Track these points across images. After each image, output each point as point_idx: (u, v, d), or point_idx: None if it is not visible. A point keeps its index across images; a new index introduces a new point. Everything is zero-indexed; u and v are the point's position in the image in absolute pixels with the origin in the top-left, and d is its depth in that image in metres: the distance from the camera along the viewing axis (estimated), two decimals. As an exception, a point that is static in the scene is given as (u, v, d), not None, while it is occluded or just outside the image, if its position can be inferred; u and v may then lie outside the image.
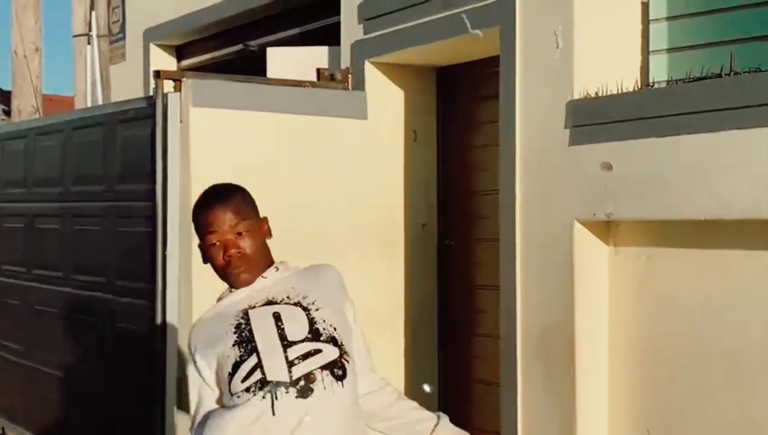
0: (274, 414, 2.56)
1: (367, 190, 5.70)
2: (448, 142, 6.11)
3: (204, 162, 5.22)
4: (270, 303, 2.73)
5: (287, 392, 2.57)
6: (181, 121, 5.21)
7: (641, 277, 4.57)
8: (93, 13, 8.09)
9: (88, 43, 8.23)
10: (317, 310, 2.71)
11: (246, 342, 2.64)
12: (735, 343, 4.19)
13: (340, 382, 2.65)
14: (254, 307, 2.72)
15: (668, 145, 4.18)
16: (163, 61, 8.33)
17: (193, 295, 5.18)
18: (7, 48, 9.80)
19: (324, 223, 5.51)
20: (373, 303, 5.72)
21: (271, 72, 6.29)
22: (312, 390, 2.59)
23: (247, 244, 2.75)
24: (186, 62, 8.34)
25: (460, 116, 6.04)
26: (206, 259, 2.82)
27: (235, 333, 2.67)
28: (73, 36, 8.48)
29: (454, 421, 5.99)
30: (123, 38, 8.45)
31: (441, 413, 3.05)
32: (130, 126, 5.68)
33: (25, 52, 9.09)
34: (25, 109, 9.27)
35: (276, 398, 2.57)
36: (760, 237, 4.04)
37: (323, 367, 2.63)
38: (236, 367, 2.63)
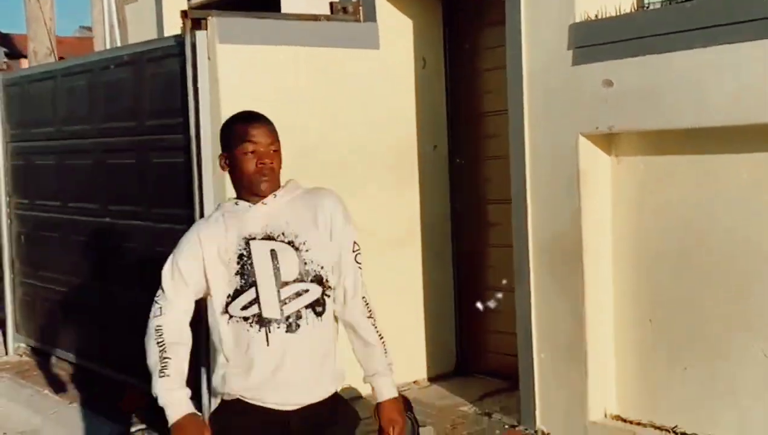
0: (268, 345, 2.98)
1: (382, 116, 6.00)
2: (454, 68, 6.43)
3: (232, 95, 5.47)
4: (268, 238, 3.03)
5: (278, 328, 2.98)
6: (209, 58, 5.47)
7: (641, 183, 4.93)
8: (109, -45, 8.21)
9: None
10: (307, 251, 3.03)
11: (247, 275, 3.00)
12: (728, 241, 4.57)
13: (319, 317, 3.04)
14: (255, 238, 3.03)
15: (663, 61, 4.50)
16: (174, 1, 8.49)
17: None
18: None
19: (342, 149, 5.83)
20: (391, 221, 6.10)
21: (285, 8, 6.55)
22: (299, 326, 3.00)
23: (276, 161, 3.07)
24: (196, 1, 8.41)
25: (465, 43, 6.35)
26: (230, 166, 3.09)
27: (238, 263, 3.01)
28: None
29: (473, 327, 6.42)
30: None
31: (391, 366, 3.23)
32: (159, 64, 5.93)
33: None
34: (41, 51, 9.46)
35: (269, 332, 2.99)
36: (748, 141, 4.40)
37: (307, 306, 3.01)
38: (237, 294, 3.01)
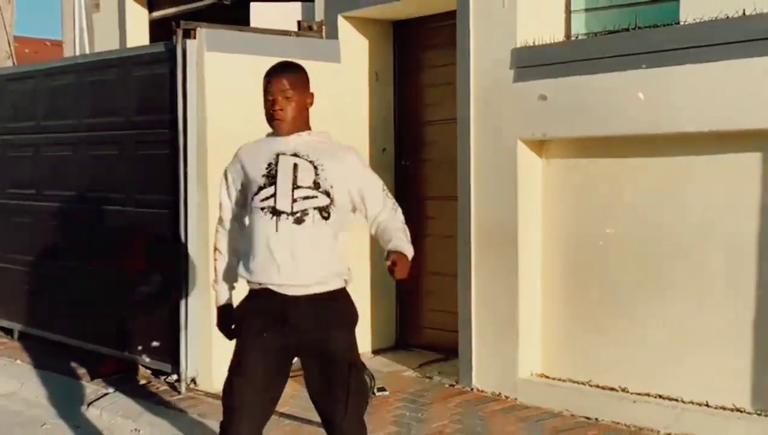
0: (276, 231, 3.58)
1: (341, 120, 6.65)
2: (402, 82, 7.29)
3: (216, 95, 6.19)
4: (294, 155, 3.65)
5: (287, 219, 3.58)
6: (196, 64, 6.17)
7: (566, 181, 5.81)
8: (79, -36, 8.68)
9: None
10: (323, 170, 3.63)
11: (272, 177, 3.63)
12: (640, 226, 5.44)
13: (324, 221, 3.61)
14: (284, 154, 3.65)
15: (587, 81, 5.40)
16: (136, 12, 9.06)
17: (209, 202, 6.09)
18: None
19: None
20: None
21: (254, 22, 7.26)
22: (304, 220, 3.58)
23: (289, 106, 3.65)
24: (156, 13, 9.04)
25: (413, 61, 7.22)
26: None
27: (266, 169, 3.65)
28: None
29: (411, 306, 7.18)
30: None
31: (409, 245, 3.71)
32: (147, 67, 6.53)
33: None
34: (0, 56, 9.87)
35: (279, 221, 3.59)
36: (656, 146, 5.32)
37: (315, 208, 3.60)
38: (260, 189, 3.64)
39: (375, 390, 5.79)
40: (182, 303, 6.25)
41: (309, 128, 3.78)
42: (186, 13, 8.67)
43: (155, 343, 6.55)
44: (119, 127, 6.82)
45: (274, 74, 3.74)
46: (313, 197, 3.62)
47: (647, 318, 5.43)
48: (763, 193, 4.94)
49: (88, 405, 6.24)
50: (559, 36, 5.82)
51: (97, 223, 7.09)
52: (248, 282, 3.73)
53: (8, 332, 8.22)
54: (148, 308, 6.65)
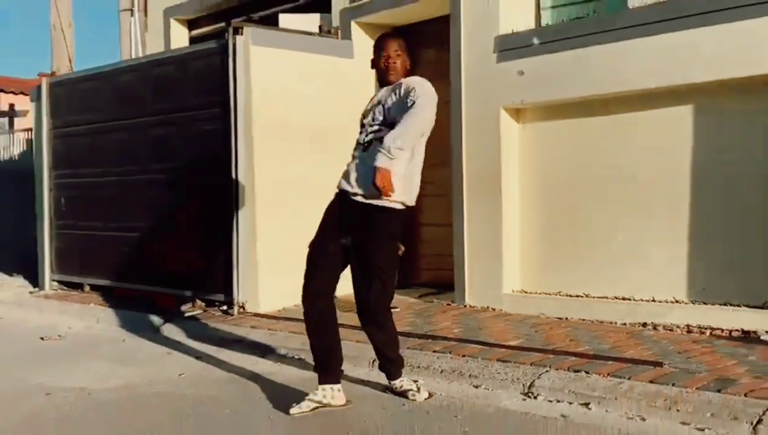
0: (355, 156, 4.21)
1: (352, 104, 7.12)
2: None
3: (259, 80, 6.81)
4: (379, 103, 4.22)
5: (362, 147, 4.18)
6: (243, 55, 6.78)
7: (538, 139, 6.43)
8: (134, -7, 9.25)
9: (131, 16, 9.39)
10: (388, 109, 4.13)
11: (365, 117, 4.28)
12: (603, 170, 6.03)
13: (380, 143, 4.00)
14: (374, 102, 4.28)
15: (554, 58, 6.06)
16: (179, 31, 9.61)
17: (255, 164, 6.75)
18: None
19: (324, 125, 7.11)
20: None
21: (282, 24, 7.85)
22: (369, 147, 4.11)
23: (398, 62, 4.27)
24: (195, 32, 9.58)
25: (411, 58, 7.79)
26: (374, 65, 4.34)
27: (368, 112, 4.28)
28: (120, 10, 9.60)
29: (411, 253, 7.73)
30: (146, 15, 9.69)
31: (390, 151, 3.89)
32: (201, 60, 7.13)
33: (62, 26, 10.11)
34: (62, 70, 10.34)
35: (358, 148, 4.22)
36: (609, 106, 5.95)
37: (377, 139, 4.06)
38: (361, 126, 4.29)
39: (390, 306, 6.36)
40: (234, 249, 6.81)
41: (402, 76, 4.31)
42: (220, 30, 9.18)
43: (211, 281, 7.07)
44: (178, 110, 7.35)
45: (387, 39, 4.35)
46: (380, 130, 4.11)
47: (605, 238, 6.03)
48: (694, 135, 5.61)
49: (157, 328, 6.71)
50: (532, 25, 6.49)
51: (159, 190, 7.59)
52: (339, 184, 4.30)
53: (78, 287, 8.66)
54: (206, 255, 7.17)
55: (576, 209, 6.23)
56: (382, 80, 4.34)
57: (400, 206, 4.13)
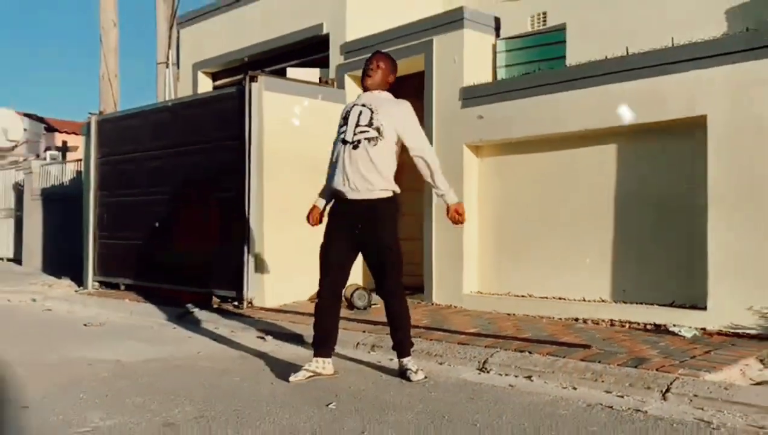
0: (344, 153, 3.87)
1: None
2: (385, 120, 7.95)
3: (270, 120, 6.85)
4: (363, 105, 3.92)
5: (349, 146, 3.86)
6: (257, 99, 6.83)
7: (493, 171, 6.50)
8: (169, 51, 9.30)
9: (167, 68, 9.44)
10: (377, 115, 3.86)
11: (347, 119, 3.95)
12: (541, 196, 6.12)
13: (374, 146, 3.80)
14: (357, 105, 3.95)
15: (507, 105, 6.15)
16: (204, 82, 9.63)
17: (264, 186, 6.75)
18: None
19: (320, 156, 7.02)
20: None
21: (290, 75, 7.91)
22: (358, 147, 3.81)
23: (376, 75, 4.00)
24: (218, 82, 9.59)
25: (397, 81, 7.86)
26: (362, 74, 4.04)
27: (348, 113, 3.98)
28: (158, 63, 9.68)
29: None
30: (178, 67, 9.76)
31: (452, 194, 3.91)
32: (222, 103, 7.17)
33: (109, 77, 10.14)
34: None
35: (344, 147, 3.88)
36: (551, 144, 6.04)
37: (366, 139, 3.81)
38: (341, 127, 3.96)
39: (371, 303, 6.37)
40: (245, 255, 6.81)
41: (385, 90, 4.06)
42: (237, 82, 9.25)
43: (225, 281, 7.04)
44: (202, 141, 7.37)
45: (378, 53, 4.09)
46: (366, 132, 3.87)
47: (545, 249, 6.09)
48: (617, 169, 5.71)
49: (179, 317, 6.68)
50: (489, 79, 6.58)
51: (184, 206, 7.58)
52: (333, 188, 4.03)
53: (115, 286, 8.60)
54: (221, 259, 7.13)
55: (523, 227, 6.27)
56: (364, 87, 4.10)
57: (391, 194, 4.00)
